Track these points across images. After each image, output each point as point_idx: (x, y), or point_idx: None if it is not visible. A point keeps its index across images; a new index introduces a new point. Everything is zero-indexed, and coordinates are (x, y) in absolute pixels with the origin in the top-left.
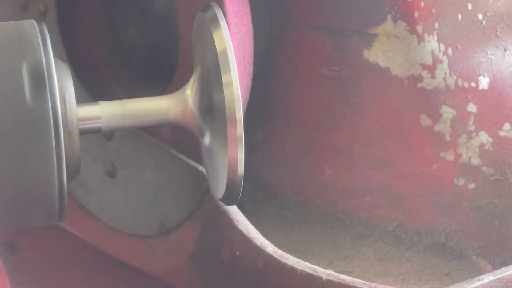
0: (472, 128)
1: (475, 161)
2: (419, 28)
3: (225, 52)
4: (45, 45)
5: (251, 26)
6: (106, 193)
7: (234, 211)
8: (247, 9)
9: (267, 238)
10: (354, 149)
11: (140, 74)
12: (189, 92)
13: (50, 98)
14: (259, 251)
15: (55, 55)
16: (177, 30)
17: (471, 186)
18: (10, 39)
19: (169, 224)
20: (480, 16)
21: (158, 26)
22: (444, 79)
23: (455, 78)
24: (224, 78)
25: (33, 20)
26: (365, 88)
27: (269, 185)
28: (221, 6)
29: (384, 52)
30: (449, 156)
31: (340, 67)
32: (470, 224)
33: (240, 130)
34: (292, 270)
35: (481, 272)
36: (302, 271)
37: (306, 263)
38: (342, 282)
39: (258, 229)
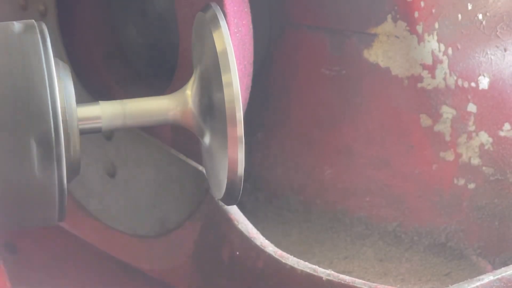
0: (472, 128)
1: (475, 161)
2: (419, 28)
3: (225, 52)
4: (45, 45)
5: (251, 26)
6: (106, 193)
7: (234, 211)
8: (247, 9)
9: (267, 238)
10: (354, 149)
11: (140, 74)
12: (189, 92)
13: (50, 98)
14: (259, 251)
15: (55, 55)
16: (177, 30)
17: (471, 186)
18: (10, 40)
19: (169, 224)
20: (480, 16)
21: (158, 26)
22: (444, 79)
23: (455, 78)
24: (224, 78)
25: (33, 20)
26: (365, 88)
27: (269, 185)
28: (221, 6)
29: (384, 52)
30: (449, 156)
31: (340, 67)
32: (470, 224)
33: (240, 130)
34: (292, 270)
35: (481, 272)
36: (302, 271)
37: (306, 263)
38: (342, 282)
39: (258, 229)
